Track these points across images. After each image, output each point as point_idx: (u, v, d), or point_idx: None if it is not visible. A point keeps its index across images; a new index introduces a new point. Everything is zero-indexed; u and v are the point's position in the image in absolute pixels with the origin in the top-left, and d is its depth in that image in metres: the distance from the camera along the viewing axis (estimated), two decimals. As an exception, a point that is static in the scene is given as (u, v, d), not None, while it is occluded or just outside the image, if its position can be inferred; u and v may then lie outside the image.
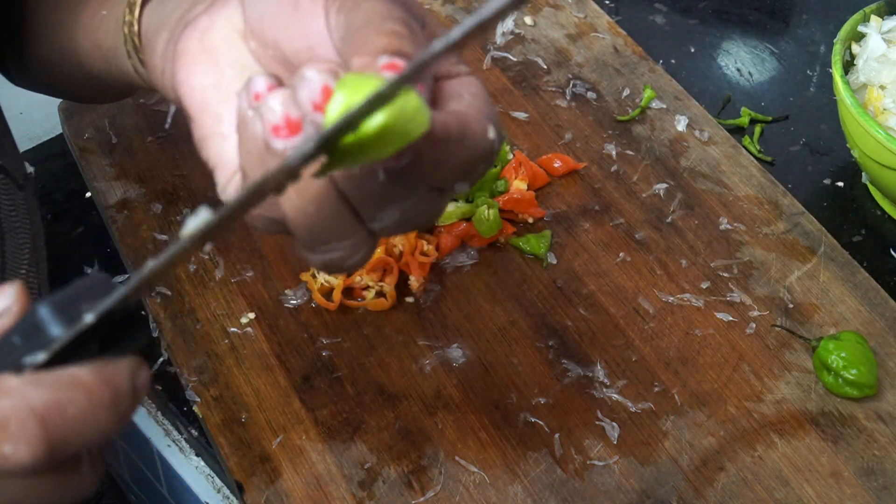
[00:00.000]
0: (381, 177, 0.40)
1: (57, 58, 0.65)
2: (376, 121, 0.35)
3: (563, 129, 0.83)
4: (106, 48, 0.58)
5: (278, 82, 0.43)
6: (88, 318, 0.35)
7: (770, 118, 0.88)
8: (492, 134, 0.43)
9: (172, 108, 0.80)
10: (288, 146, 0.41)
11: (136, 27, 0.55)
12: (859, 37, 0.80)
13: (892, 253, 0.79)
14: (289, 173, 0.33)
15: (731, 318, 0.71)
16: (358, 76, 0.38)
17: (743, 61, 0.93)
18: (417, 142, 0.37)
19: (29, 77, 0.68)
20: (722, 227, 0.77)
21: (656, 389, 0.68)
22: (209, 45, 0.50)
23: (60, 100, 0.83)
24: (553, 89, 0.86)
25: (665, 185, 0.79)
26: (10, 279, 0.58)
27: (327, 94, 0.40)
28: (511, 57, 0.88)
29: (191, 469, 0.75)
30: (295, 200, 0.42)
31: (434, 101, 0.44)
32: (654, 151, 0.81)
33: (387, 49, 0.41)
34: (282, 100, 0.41)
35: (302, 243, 0.45)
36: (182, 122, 0.60)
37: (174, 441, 0.75)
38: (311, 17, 0.46)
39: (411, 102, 0.36)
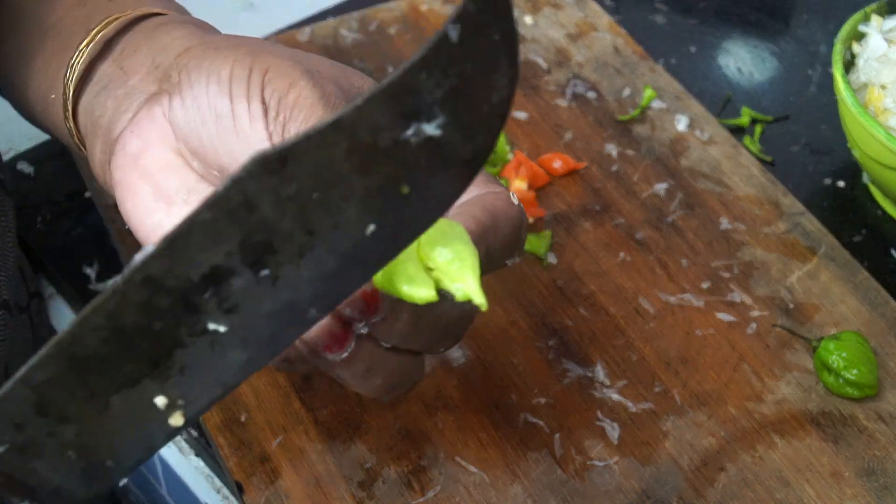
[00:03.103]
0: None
1: (19, 102, 0.61)
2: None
3: (563, 129, 0.83)
4: (61, 134, 0.55)
5: None
6: None
7: (770, 118, 0.88)
8: (515, 199, 0.44)
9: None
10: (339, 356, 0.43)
11: (74, 132, 0.53)
12: (860, 36, 0.80)
13: (893, 253, 0.79)
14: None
15: (731, 318, 0.71)
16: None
17: (743, 61, 0.93)
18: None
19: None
20: (722, 226, 0.76)
21: (656, 389, 0.68)
22: (147, 172, 0.47)
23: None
24: (553, 89, 0.85)
25: (665, 185, 0.79)
26: None
27: (372, 298, 0.41)
28: (511, 57, 0.88)
29: (190, 469, 0.75)
30: (356, 367, 0.43)
31: None
32: (654, 151, 0.81)
33: None
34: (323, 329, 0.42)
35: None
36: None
37: (174, 441, 0.75)
38: (256, 141, 0.44)
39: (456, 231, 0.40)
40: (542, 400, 0.67)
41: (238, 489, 0.64)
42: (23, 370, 0.34)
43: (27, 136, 0.83)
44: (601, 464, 0.64)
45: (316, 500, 0.63)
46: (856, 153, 0.77)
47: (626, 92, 0.85)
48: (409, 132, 0.33)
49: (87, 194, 0.79)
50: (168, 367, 0.35)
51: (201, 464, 0.73)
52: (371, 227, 0.35)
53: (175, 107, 0.46)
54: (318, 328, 0.42)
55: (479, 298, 0.39)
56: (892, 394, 0.68)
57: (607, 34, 0.90)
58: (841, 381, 0.67)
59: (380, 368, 0.44)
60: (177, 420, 0.36)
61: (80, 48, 0.51)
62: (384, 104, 0.32)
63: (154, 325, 0.34)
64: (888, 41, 0.78)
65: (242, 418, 0.66)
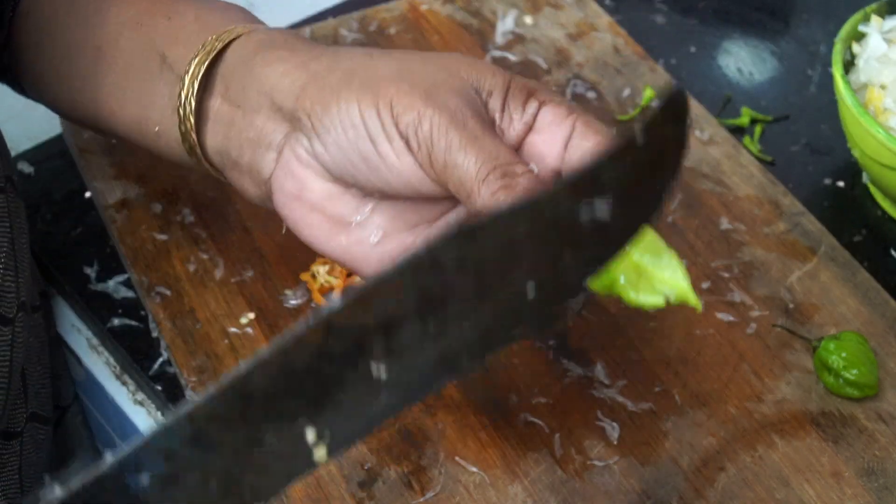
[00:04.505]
0: None
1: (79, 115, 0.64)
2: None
3: (563, 129, 0.83)
4: (166, 148, 0.58)
5: None
6: None
7: (770, 118, 0.88)
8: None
9: None
10: None
11: (204, 163, 0.56)
12: (860, 36, 0.80)
13: (893, 253, 0.79)
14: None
15: (731, 318, 0.71)
16: None
17: (743, 61, 0.93)
18: None
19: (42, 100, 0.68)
20: (722, 227, 0.76)
21: (657, 389, 0.68)
22: (313, 205, 0.51)
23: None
24: (553, 89, 0.85)
25: (665, 185, 0.79)
26: None
27: None
28: (511, 57, 0.88)
29: (190, 469, 0.75)
30: None
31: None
32: (654, 151, 0.81)
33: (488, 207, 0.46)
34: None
35: None
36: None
37: (174, 441, 0.75)
38: (408, 172, 0.48)
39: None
40: (542, 400, 0.67)
41: (238, 489, 0.64)
42: (189, 406, 0.34)
43: (27, 136, 0.83)
44: (601, 464, 0.64)
45: (316, 499, 0.63)
46: (856, 153, 0.77)
47: (626, 92, 0.85)
48: (583, 211, 0.38)
49: (87, 194, 0.79)
50: (325, 405, 0.36)
51: (201, 464, 0.73)
52: (531, 289, 0.39)
53: (318, 150, 0.49)
54: None
55: (694, 300, 0.45)
56: (892, 394, 0.68)
57: (607, 34, 0.90)
58: (841, 381, 0.66)
59: None
60: (320, 453, 0.37)
61: (184, 96, 0.53)
62: (569, 188, 0.37)
63: (324, 368, 0.35)
64: (888, 41, 0.78)
65: (242, 418, 0.66)
